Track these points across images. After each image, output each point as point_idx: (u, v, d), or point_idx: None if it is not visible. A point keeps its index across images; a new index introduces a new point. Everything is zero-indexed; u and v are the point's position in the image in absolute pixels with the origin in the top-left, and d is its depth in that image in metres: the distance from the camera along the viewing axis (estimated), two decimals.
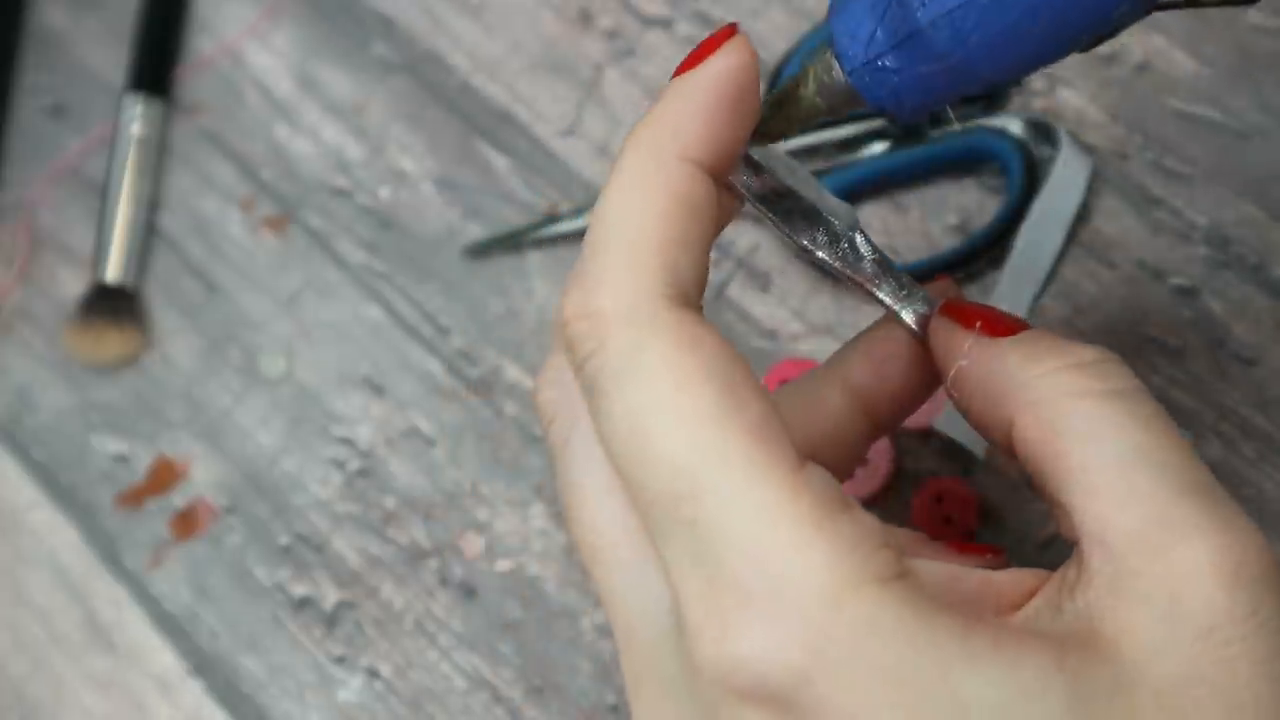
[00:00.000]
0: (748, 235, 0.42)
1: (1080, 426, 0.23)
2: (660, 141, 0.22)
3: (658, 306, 0.21)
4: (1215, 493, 0.23)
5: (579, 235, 0.44)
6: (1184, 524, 0.22)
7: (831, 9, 0.23)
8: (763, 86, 0.27)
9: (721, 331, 0.41)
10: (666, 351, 0.21)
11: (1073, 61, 0.39)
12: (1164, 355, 0.37)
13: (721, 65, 0.23)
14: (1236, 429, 0.36)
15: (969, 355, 0.25)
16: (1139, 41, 0.41)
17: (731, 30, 0.24)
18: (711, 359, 0.21)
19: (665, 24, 0.46)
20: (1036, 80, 0.41)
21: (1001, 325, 0.25)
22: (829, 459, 0.25)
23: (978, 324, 0.25)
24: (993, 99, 0.41)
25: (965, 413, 0.26)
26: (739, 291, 0.42)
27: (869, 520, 0.22)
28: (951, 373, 0.25)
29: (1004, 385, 0.24)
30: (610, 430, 0.21)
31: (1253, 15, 0.40)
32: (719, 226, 0.24)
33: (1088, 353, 0.24)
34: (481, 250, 0.44)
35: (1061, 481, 0.23)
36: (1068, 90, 0.41)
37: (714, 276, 0.39)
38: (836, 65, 0.23)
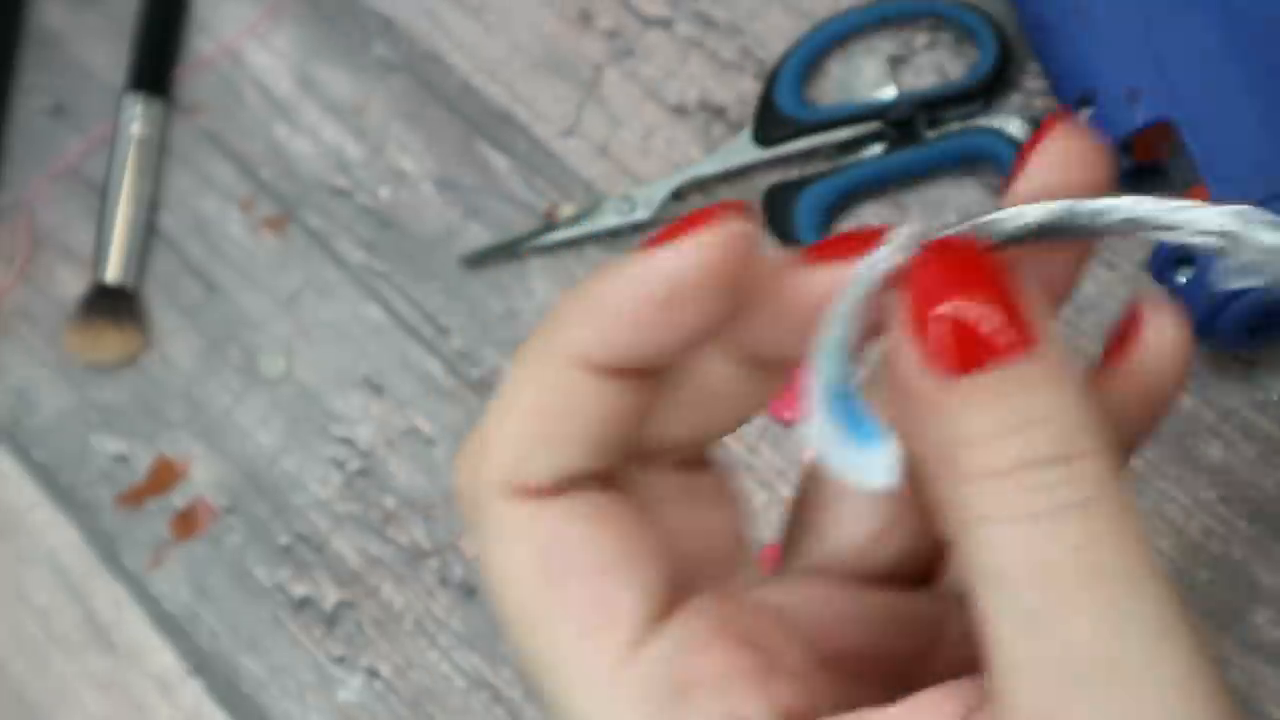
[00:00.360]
0: None
1: (983, 561, 0.18)
2: (547, 335, 0.21)
3: (491, 495, 0.21)
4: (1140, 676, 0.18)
5: (574, 241, 0.44)
6: None
7: None
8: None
9: None
10: (492, 538, 0.21)
11: None
12: None
13: (652, 267, 0.20)
14: (1236, 429, 0.36)
15: (898, 385, 0.19)
16: None
17: (707, 216, 0.20)
18: (534, 552, 0.21)
19: (665, 24, 0.46)
20: (1035, 80, 0.41)
21: (964, 345, 0.18)
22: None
23: (919, 337, 0.18)
24: (991, 99, 0.41)
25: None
26: None
27: (720, 705, 0.20)
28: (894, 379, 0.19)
29: (936, 452, 0.19)
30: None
31: None
32: (631, 411, 0.21)
33: (1029, 442, 0.18)
34: (478, 260, 0.44)
35: (974, 611, 0.19)
36: None
37: None
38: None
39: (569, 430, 0.21)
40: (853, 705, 0.20)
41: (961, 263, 0.19)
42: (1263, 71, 0.34)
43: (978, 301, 0.19)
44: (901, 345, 0.19)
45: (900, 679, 0.21)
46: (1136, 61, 0.35)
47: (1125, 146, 0.36)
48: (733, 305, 0.20)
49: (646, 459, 0.22)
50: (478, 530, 0.21)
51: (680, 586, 0.21)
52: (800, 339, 0.20)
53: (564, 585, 0.20)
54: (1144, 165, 0.37)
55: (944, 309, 0.18)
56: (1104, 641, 0.17)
